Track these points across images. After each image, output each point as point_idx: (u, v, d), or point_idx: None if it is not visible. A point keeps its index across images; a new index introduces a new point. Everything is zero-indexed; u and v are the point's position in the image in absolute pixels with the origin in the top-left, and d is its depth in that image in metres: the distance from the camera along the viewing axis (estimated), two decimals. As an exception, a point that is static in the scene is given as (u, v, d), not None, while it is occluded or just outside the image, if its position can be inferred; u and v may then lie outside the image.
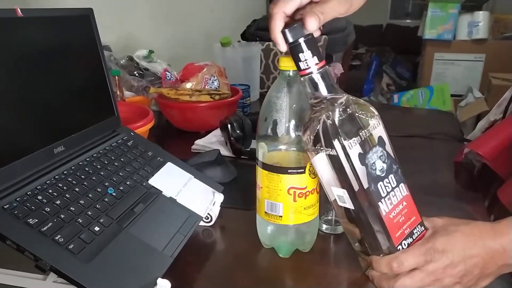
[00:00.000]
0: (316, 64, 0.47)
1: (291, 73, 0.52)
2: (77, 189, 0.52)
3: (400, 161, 0.50)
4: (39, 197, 0.48)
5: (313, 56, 0.46)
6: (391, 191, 0.48)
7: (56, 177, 0.53)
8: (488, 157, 0.79)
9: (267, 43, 1.52)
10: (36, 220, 0.45)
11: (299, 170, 0.53)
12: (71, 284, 0.42)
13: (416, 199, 0.51)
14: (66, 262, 0.43)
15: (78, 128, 0.60)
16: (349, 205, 0.48)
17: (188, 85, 1.09)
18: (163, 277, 0.46)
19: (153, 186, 0.60)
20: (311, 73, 0.47)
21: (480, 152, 0.80)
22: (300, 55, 0.46)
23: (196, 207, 0.60)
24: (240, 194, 0.73)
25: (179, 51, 1.79)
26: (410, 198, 0.50)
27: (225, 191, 0.67)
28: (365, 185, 0.46)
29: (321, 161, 0.48)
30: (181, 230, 0.55)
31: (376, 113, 0.48)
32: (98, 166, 0.58)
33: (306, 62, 0.46)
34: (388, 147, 0.48)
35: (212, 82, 1.11)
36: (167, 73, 1.14)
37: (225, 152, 0.91)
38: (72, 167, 0.56)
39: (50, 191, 0.50)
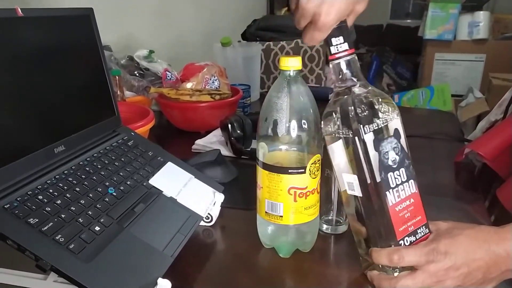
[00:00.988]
0: (346, 50, 0.48)
1: (291, 73, 0.52)
2: (77, 189, 0.52)
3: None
4: (40, 197, 0.48)
5: (344, 42, 0.48)
6: (400, 184, 0.49)
7: (57, 176, 0.53)
8: (488, 157, 0.79)
9: (267, 43, 1.52)
10: (37, 220, 0.45)
11: (299, 170, 0.53)
12: (72, 284, 0.42)
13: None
14: (66, 262, 0.43)
15: (79, 128, 0.60)
16: (358, 192, 0.49)
17: (189, 85, 1.09)
18: (163, 277, 0.46)
19: (153, 186, 0.60)
20: (340, 58, 0.49)
21: (481, 152, 0.80)
22: (333, 39, 0.48)
23: (197, 207, 0.60)
24: (241, 194, 0.73)
25: (180, 51, 1.79)
26: (418, 196, 0.51)
27: (226, 191, 0.67)
28: (376, 173, 0.47)
29: (338, 147, 0.49)
30: (181, 230, 0.55)
31: (396, 107, 0.50)
32: (99, 166, 0.58)
33: (337, 47, 0.48)
34: (403, 141, 0.49)
35: (213, 82, 1.11)
36: (167, 73, 1.14)
37: (225, 152, 0.91)
38: (73, 167, 0.56)
39: (51, 190, 0.50)
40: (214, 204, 0.64)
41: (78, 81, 0.63)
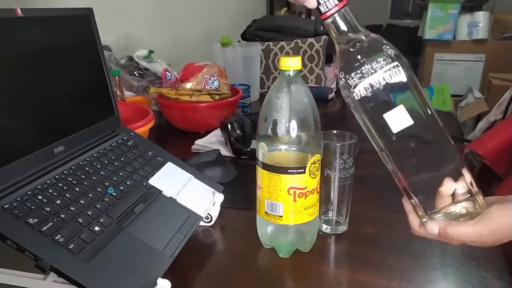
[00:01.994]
0: (336, 5, 0.45)
1: (291, 73, 0.52)
2: (77, 189, 0.52)
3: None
4: (39, 197, 0.48)
5: None
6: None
7: (56, 177, 0.53)
8: (488, 157, 0.79)
9: (267, 43, 1.52)
10: (36, 220, 0.45)
11: (299, 170, 0.53)
12: (71, 284, 0.42)
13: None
14: (66, 262, 0.43)
15: (78, 128, 0.60)
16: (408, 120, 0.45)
17: (188, 85, 1.09)
18: (163, 277, 0.46)
19: (153, 186, 0.60)
20: (332, 15, 0.45)
21: (480, 152, 0.80)
22: None
23: (196, 207, 0.60)
24: (240, 194, 0.73)
25: (179, 51, 1.79)
26: None
27: (225, 191, 0.67)
28: None
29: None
30: (181, 230, 0.55)
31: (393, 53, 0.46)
32: (98, 166, 0.58)
33: (325, 4, 0.45)
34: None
35: (212, 82, 1.11)
36: (167, 73, 1.14)
37: (225, 152, 0.91)
38: (72, 167, 0.56)
39: (50, 191, 0.50)
40: (213, 204, 0.64)
41: (78, 81, 0.63)
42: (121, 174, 0.59)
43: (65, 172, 0.54)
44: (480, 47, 2.65)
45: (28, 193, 0.48)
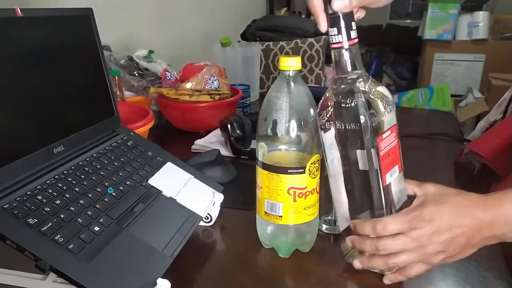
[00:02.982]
0: (349, 40, 0.48)
1: (291, 73, 0.52)
2: (77, 189, 0.52)
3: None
4: (39, 197, 0.48)
5: (347, 32, 0.48)
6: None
7: (56, 177, 0.53)
8: (488, 157, 0.79)
9: (267, 43, 1.52)
10: (36, 220, 0.45)
11: (299, 170, 0.53)
12: (71, 284, 0.42)
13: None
14: (66, 262, 0.43)
15: (78, 128, 0.60)
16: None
17: (188, 85, 1.09)
18: (163, 277, 0.46)
19: (153, 186, 0.60)
20: (341, 47, 0.48)
21: (480, 152, 0.80)
22: (336, 28, 0.48)
23: (196, 207, 0.60)
24: (240, 194, 0.73)
25: (179, 51, 1.79)
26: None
27: (225, 191, 0.67)
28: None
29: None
30: (181, 230, 0.55)
31: (391, 99, 0.50)
32: (98, 166, 0.58)
33: (340, 36, 0.48)
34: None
35: (212, 82, 1.11)
36: (167, 73, 1.14)
37: (225, 152, 0.91)
38: (72, 167, 0.56)
39: (50, 191, 0.50)
40: (213, 204, 0.64)
41: (78, 81, 0.63)
42: (121, 174, 0.59)
43: (65, 172, 0.54)
44: (480, 47, 2.65)
45: (28, 193, 0.48)
